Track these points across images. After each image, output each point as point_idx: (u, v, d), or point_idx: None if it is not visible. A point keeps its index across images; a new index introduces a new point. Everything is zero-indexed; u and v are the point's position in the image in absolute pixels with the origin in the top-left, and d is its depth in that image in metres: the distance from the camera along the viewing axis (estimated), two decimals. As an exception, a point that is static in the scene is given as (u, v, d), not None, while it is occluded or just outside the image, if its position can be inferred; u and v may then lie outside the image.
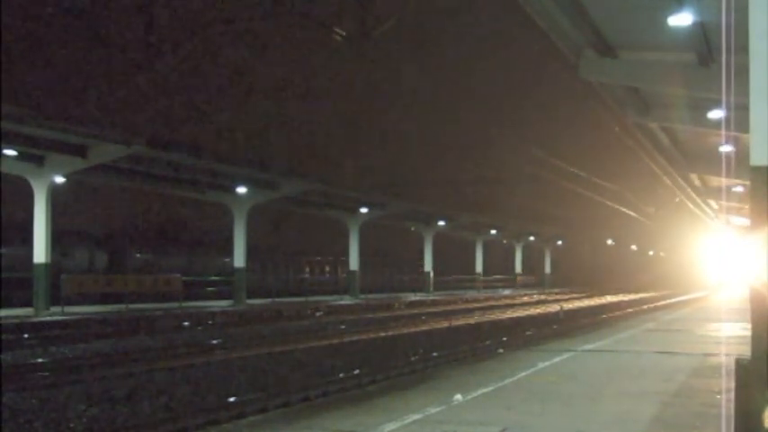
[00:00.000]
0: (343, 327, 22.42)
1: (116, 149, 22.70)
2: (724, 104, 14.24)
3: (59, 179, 23.41)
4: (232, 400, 10.13)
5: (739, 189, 26.33)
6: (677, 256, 79.45)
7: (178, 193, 32.35)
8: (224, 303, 30.51)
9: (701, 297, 41.54)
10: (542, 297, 45.99)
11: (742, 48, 4.46)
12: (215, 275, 35.11)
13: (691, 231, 55.97)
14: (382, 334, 20.12)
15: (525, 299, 44.60)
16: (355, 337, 18.96)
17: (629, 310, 30.98)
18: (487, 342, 18.34)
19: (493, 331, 21.82)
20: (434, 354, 15.85)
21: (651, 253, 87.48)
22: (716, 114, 16.08)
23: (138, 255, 33.50)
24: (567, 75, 15.41)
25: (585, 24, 12.47)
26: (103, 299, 27.00)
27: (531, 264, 68.46)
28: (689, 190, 30.33)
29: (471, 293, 48.83)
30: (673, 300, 40.03)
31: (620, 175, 39.36)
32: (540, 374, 9.07)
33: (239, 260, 31.68)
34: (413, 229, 49.45)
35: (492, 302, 40.12)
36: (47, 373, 12.28)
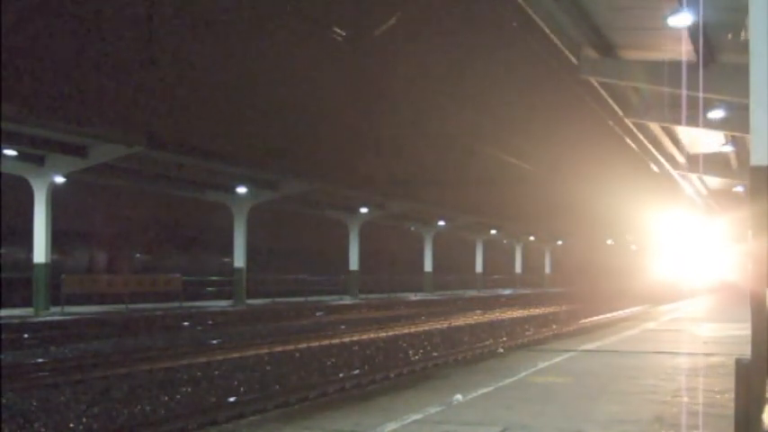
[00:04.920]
0: (342, 326, 22.42)
1: (116, 149, 22.71)
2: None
3: (59, 179, 23.42)
4: (231, 399, 10.13)
5: (739, 189, 26.29)
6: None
7: (178, 193, 32.35)
8: (224, 303, 30.55)
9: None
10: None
11: (742, 48, 4.47)
12: (216, 276, 35.12)
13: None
14: (382, 334, 20.12)
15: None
16: (355, 337, 18.96)
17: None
18: (487, 342, 18.37)
19: (493, 331, 21.86)
20: (434, 354, 15.87)
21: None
22: (716, 114, 16.11)
23: (139, 255, 33.53)
24: (566, 74, 15.40)
25: (585, 24, 12.48)
26: (104, 299, 27.02)
27: (530, 263, 68.23)
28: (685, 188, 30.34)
29: (471, 293, 48.93)
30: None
31: (620, 175, 39.03)
32: (541, 374, 9.07)
33: (239, 260, 31.68)
34: (412, 229, 49.49)
35: (492, 302, 40.14)
36: (46, 373, 12.28)
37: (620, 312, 29.37)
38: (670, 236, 49.55)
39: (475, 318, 27.13)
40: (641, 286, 49.95)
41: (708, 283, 50.98)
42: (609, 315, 27.88)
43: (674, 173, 25.17)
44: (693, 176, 26.94)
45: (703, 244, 45.40)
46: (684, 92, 13.48)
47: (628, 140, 20.85)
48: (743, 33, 10.27)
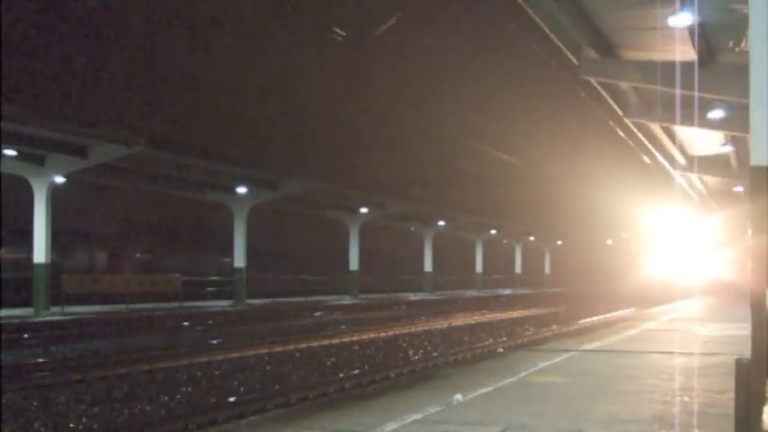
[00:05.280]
0: (343, 326, 22.42)
1: (116, 149, 22.73)
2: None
3: (59, 179, 23.42)
4: (231, 399, 10.13)
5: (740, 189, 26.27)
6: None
7: (178, 193, 32.34)
8: (224, 303, 30.55)
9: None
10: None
11: (742, 48, 4.48)
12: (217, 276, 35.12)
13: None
14: (382, 334, 20.12)
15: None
16: (355, 337, 18.96)
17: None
18: (487, 342, 18.37)
19: (493, 331, 21.85)
20: (434, 354, 15.87)
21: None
22: (715, 114, 16.13)
23: (139, 255, 33.54)
24: (567, 74, 15.41)
25: (585, 24, 12.49)
26: (104, 299, 27.01)
27: (530, 263, 68.06)
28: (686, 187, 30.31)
29: (471, 293, 48.91)
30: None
31: (620, 175, 38.77)
32: (541, 374, 9.07)
33: (239, 260, 31.69)
34: (412, 229, 49.49)
35: (492, 302, 40.14)
36: (46, 373, 12.28)
37: (620, 312, 29.36)
38: (670, 236, 48.78)
39: (475, 318, 27.13)
40: (641, 286, 48.76)
41: (708, 284, 50.53)
42: (608, 315, 27.86)
43: (675, 173, 25.15)
44: (693, 176, 26.93)
45: (703, 244, 45.01)
46: (684, 92, 13.50)
47: (628, 140, 20.86)
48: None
